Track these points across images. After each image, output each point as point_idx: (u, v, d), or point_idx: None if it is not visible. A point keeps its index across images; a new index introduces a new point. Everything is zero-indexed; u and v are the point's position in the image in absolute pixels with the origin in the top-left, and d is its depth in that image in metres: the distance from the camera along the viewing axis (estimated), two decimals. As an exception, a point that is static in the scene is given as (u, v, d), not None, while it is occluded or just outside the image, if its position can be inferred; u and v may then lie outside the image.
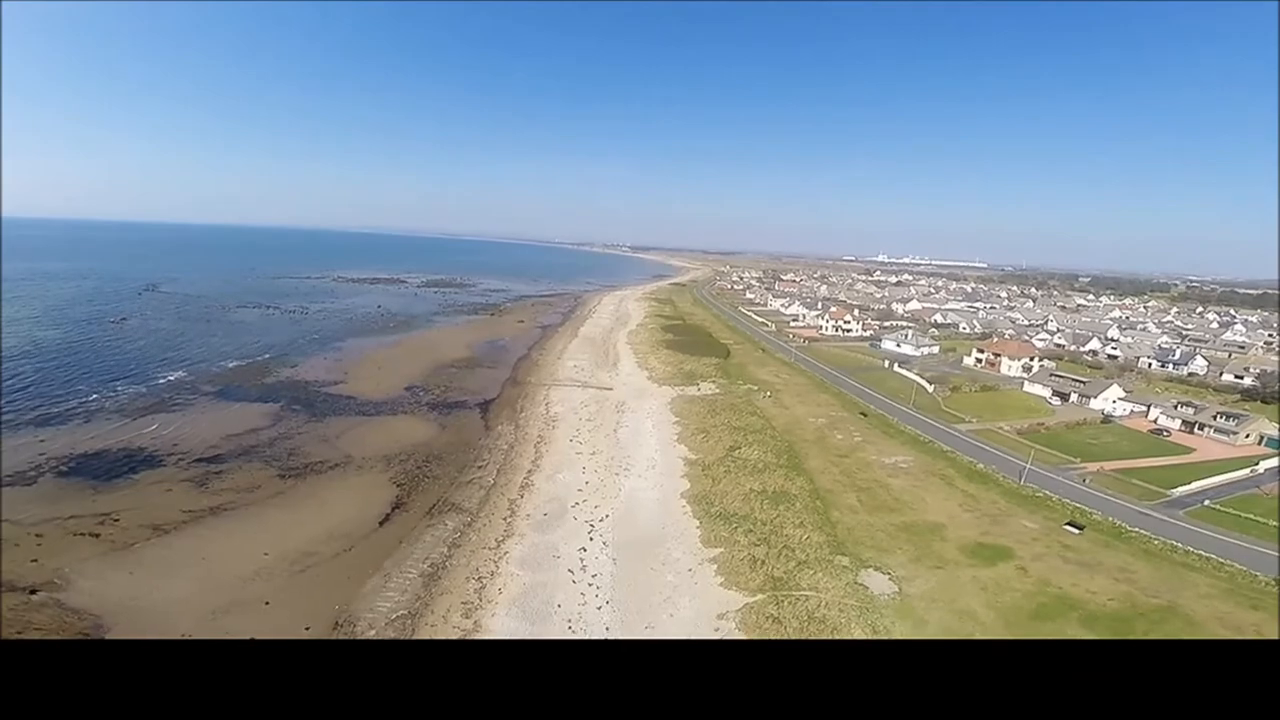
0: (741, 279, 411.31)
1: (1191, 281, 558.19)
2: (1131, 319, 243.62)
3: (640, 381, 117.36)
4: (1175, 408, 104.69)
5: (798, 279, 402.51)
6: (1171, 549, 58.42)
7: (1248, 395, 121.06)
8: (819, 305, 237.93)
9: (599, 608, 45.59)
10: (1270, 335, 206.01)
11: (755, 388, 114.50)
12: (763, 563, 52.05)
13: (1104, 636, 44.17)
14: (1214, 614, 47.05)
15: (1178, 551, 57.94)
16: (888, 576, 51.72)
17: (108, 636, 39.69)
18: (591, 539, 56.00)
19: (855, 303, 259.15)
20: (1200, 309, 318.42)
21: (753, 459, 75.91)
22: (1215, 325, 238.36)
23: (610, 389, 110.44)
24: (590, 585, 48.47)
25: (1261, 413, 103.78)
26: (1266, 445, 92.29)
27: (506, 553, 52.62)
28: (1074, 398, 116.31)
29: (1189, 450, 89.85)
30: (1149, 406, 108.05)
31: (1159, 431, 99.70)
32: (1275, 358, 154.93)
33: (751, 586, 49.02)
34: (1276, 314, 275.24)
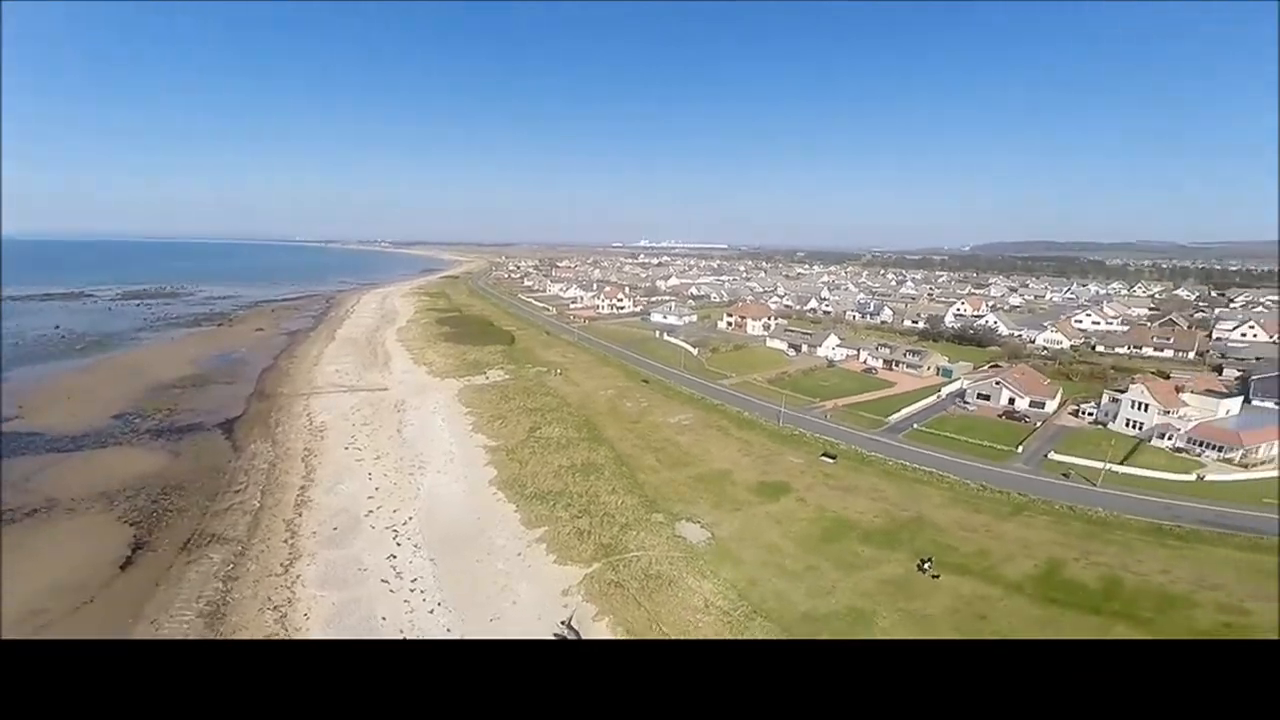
0: (519, 268, 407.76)
1: (875, 252, 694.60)
2: (836, 282, 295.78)
3: (420, 378, 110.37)
4: (876, 349, 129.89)
5: (573, 265, 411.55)
6: (904, 468, 71.18)
7: (923, 336, 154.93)
8: (594, 287, 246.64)
9: (431, 611, 42.68)
10: (932, 289, 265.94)
11: (545, 369, 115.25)
12: (589, 533, 53.27)
13: (879, 549, 52.66)
14: (951, 520, 58.11)
15: (909, 469, 70.71)
16: (699, 525, 56.24)
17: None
18: (399, 544, 51.90)
19: (625, 283, 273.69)
20: (882, 271, 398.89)
21: (555, 436, 76.65)
22: (894, 283, 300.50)
23: (385, 389, 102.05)
24: (413, 591, 45.05)
25: (934, 349, 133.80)
26: (941, 375, 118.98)
27: (299, 575, 46.15)
28: (805, 348, 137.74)
29: (892, 384, 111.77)
30: (858, 350, 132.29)
31: (869, 370, 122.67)
32: (939, 306, 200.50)
33: (585, 557, 49.88)
34: (935, 273, 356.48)
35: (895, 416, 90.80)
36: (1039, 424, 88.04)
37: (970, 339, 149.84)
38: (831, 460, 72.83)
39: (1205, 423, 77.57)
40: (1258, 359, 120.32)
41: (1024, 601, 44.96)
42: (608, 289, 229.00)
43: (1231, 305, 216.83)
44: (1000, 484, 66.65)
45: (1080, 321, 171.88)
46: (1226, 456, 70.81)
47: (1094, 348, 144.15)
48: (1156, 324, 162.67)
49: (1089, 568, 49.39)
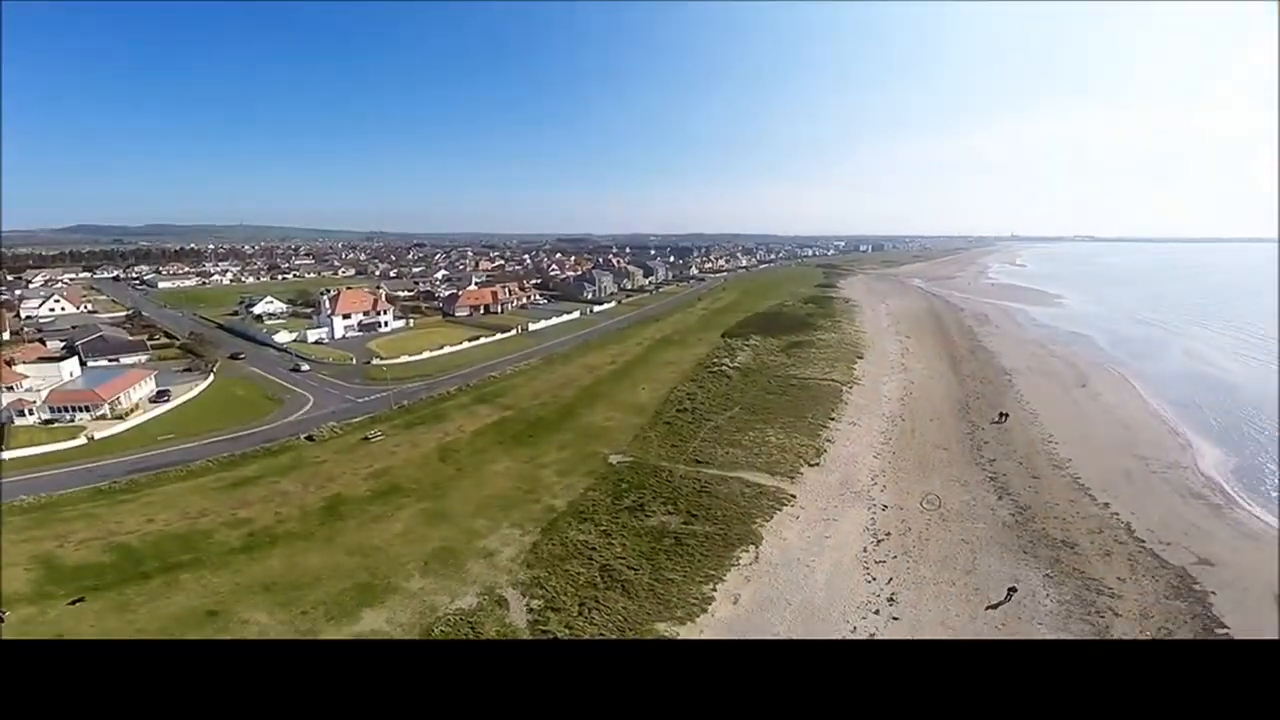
0: None
1: None
2: None
3: None
4: None
5: None
6: None
7: None
8: None
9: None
10: None
11: None
12: None
13: None
14: None
15: None
16: None
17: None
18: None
19: None
20: None
21: None
22: None
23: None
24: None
25: None
26: None
27: None
28: None
29: None
30: None
31: None
32: None
33: None
34: None
35: None
36: None
37: None
38: None
39: (58, 389, 75.19)
40: (74, 327, 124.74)
41: (61, 601, 37.82)
42: None
43: (31, 285, 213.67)
44: None
45: None
46: (100, 414, 71.52)
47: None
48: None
49: (82, 547, 43.81)
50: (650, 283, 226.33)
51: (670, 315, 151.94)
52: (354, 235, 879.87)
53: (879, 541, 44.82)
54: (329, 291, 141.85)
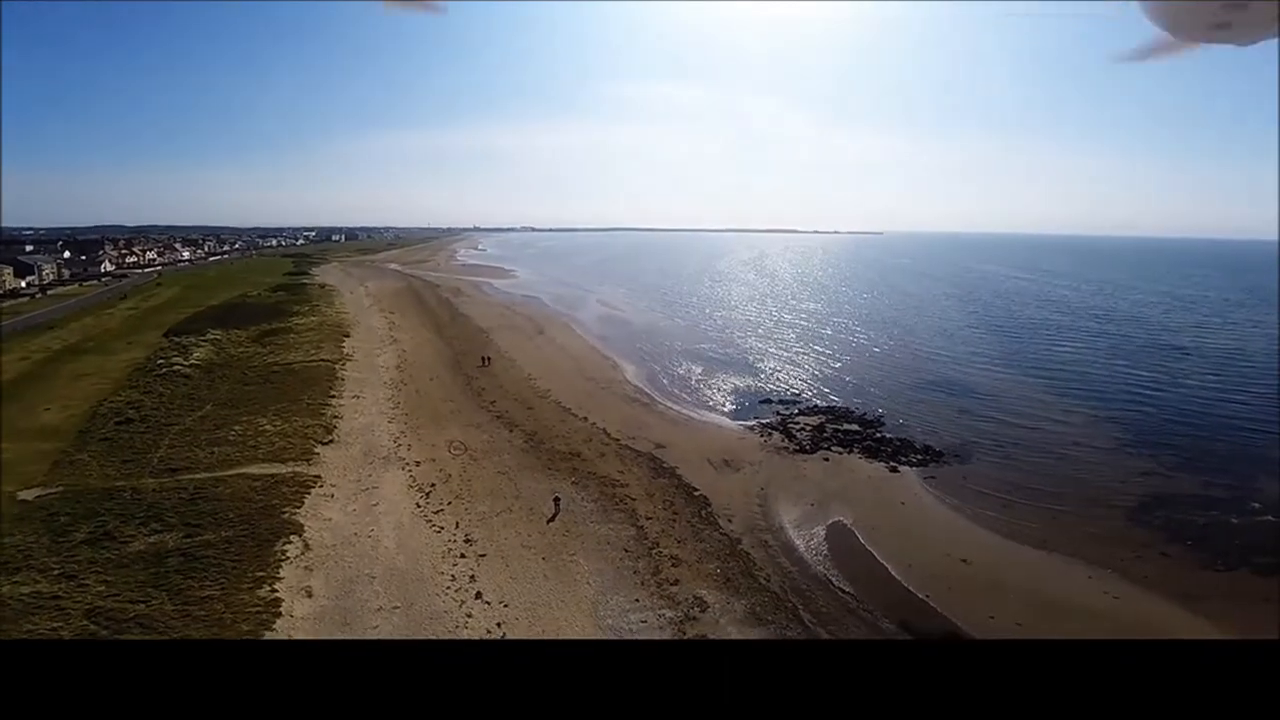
0: None
1: None
2: None
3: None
4: None
5: None
6: None
7: None
8: None
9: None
10: None
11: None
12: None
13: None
14: None
15: None
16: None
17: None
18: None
19: None
20: None
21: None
22: None
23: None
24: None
25: None
26: None
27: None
28: None
29: None
30: None
31: None
32: None
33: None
34: None
35: None
36: None
37: None
38: None
39: None
40: None
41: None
42: None
43: None
44: None
45: None
46: None
47: None
48: None
49: None
50: (29, 284, 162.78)
51: (76, 320, 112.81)
52: None
53: (427, 495, 43.98)
54: None
